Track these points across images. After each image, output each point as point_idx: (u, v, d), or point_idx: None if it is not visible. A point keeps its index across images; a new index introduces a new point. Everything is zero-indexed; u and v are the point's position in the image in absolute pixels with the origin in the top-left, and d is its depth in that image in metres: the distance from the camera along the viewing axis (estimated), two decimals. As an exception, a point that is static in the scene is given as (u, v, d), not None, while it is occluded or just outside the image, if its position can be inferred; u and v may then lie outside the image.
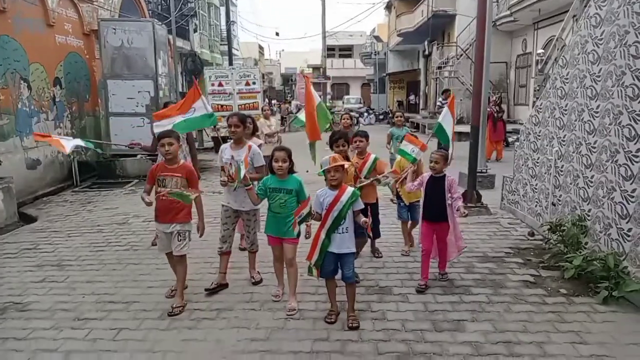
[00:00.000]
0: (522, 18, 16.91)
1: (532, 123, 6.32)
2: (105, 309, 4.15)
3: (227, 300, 4.23)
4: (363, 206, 3.86)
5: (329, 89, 41.31)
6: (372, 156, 4.78)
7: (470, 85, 18.13)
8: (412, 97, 29.23)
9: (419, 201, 5.06)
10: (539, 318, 3.87)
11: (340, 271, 3.84)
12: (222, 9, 23.39)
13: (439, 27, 22.06)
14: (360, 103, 31.49)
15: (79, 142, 5.39)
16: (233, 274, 4.77)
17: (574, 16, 9.28)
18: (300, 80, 30.57)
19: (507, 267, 4.94)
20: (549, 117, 5.84)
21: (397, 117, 8.17)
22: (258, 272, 4.69)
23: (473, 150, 7.08)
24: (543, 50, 14.00)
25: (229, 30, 18.50)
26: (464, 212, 4.27)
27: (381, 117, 27.76)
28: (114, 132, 10.77)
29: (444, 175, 4.41)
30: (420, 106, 26.73)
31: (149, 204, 4.05)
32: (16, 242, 6.14)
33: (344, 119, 6.38)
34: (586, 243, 4.82)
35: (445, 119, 5.44)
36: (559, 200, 5.53)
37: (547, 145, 5.86)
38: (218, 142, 7.39)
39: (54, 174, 9.82)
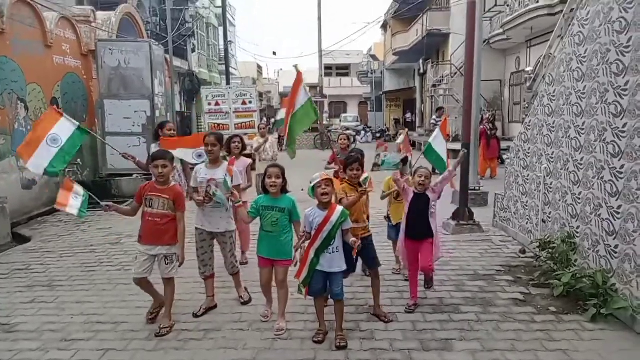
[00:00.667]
0: (515, 36, 17.15)
1: (521, 140, 6.38)
2: (93, 329, 4.13)
3: (215, 321, 4.21)
4: (350, 226, 3.87)
5: (326, 108, 41.74)
6: (365, 175, 4.51)
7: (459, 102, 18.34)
8: (408, 115, 29.44)
9: None
10: (527, 337, 3.86)
11: (329, 289, 3.85)
12: (221, 29, 23.70)
13: (433, 45, 22.36)
14: (357, 121, 31.72)
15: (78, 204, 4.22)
16: (222, 293, 4.77)
17: (559, 35, 9.43)
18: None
19: (497, 285, 4.94)
20: (537, 135, 5.90)
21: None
22: (245, 289, 4.65)
23: (464, 167, 7.12)
24: (532, 68, 14.17)
25: (226, 50, 18.74)
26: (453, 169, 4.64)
27: (378, 135, 27.89)
28: (110, 151, 10.80)
29: (425, 192, 4.37)
30: (417, 124, 26.91)
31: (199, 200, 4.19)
32: (8, 262, 6.13)
33: (341, 139, 6.22)
34: (575, 260, 4.83)
35: (437, 140, 5.48)
36: (549, 217, 5.56)
37: (536, 163, 5.91)
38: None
39: (50, 194, 9.81)
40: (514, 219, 6.58)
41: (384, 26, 31.17)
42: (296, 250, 3.86)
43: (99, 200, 4.17)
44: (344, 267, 3.82)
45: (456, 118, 18.41)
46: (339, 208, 3.76)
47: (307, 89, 5.04)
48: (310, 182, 3.81)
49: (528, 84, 12.05)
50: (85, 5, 15.62)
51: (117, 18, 12.60)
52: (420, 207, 4.33)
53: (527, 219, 6.16)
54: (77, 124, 4.71)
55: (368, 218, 4.46)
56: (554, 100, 5.47)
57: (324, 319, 3.93)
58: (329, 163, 6.02)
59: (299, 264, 3.85)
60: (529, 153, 6.14)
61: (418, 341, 3.82)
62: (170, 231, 4.02)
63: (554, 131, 5.47)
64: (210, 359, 3.60)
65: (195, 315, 4.29)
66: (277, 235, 3.90)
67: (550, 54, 9.62)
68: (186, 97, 19.45)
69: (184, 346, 3.81)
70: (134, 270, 4.11)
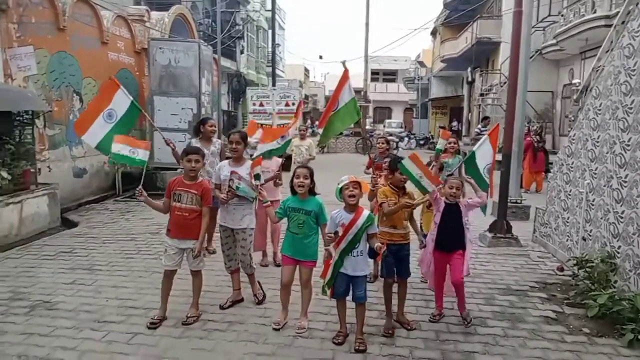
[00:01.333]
0: (569, 47, 16.53)
1: (565, 154, 6.17)
2: (126, 313, 4.32)
3: (240, 314, 4.31)
4: (377, 230, 3.87)
5: (370, 112, 41.56)
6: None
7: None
8: (455, 123, 28.88)
9: None
10: (555, 356, 3.73)
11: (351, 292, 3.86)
12: (270, 32, 24.13)
13: (483, 54, 21.88)
14: (401, 127, 31.40)
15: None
16: (250, 289, 4.87)
17: (608, 48, 9.03)
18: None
19: (529, 302, 4.79)
20: (581, 149, 5.68)
21: (449, 143, 6.36)
22: (260, 287, 4.63)
23: (504, 179, 6.95)
24: (579, 80, 13.61)
25: (273, 53, 19.07)
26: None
27: (422, 142, 27.53)
28: (157, 145, 11.18)
29: (457, 202, 4.21)
30: (463, 133, 26.38)
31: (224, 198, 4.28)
32: (55, 245, 6.50)
33: (379, 143, 6.15)
34: (615, 281, 4.62)
35: (482, 149, 4.84)
36: (590, 235, 5.34)
37: (579, 178, 5.70)
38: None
39: (99, 183, 10.33)
40: (554, 235, 6.35)
41: (434, 33, 30.79)
42: (328, 255, 3.84)
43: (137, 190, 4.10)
44: (367, 272, 3.83)
45: (503, 128, 17.94)
46: (366, 212, 3.76)
47: (352, 87, 5.00)
48: (338, 184, 3.84)
49: (575, 97, 11.59)
50: (142, 4, 16.36)
51: (170, 18, 13.09)
52: (451, 218, 4.18)
53: (568, 235, 5.93)
54: (131, 98, 4.82)
55: (421, 227, 4.49)
56: (600, 114, 5.26)
57: (346, 321, 3.95)
58: (367, 168, 5.81)
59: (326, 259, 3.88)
60: (572, 167, 5.92)
61: (439, 351, 3.77)
62: (198, 225, 4.08)
63: (598, 146, 5.26)
64: (231, 350, 3.69)
65: (222, 307, 4.40)
66: (302, 238, 3.92)
67: (599, 66, 9.23)
68: (233, 97, 19.90)
69: (207, 336, 3.92)
70: (164, 262, 4.18)
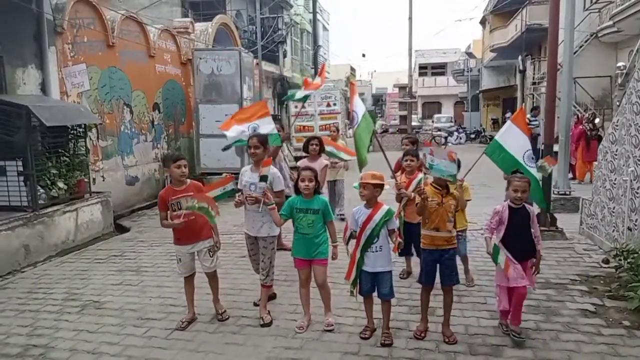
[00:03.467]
0: (627, 28, 15.53)
1: (609, 141, 5.88)
2: (166, 310, 4.59)
3: (273, 310, 4.44)
4: (397, 226, 3.87)
5: (419, 108, 40.88)
6: (420, 175, 4.59)
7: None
8: (508, 114, 27.86)
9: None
10: (588, 349, 3.61)
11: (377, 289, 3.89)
12: (313, 34, 24.37)
13: (534, 41, 20.97)
14: (451, 122, 30.72)
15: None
16: (284, 286, 5.03)
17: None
18: (389, 99, 30.66)
19: (567, 295, 4.63)
20: (625, 135, 5.40)
21: None
22: (269, 312, 4.32)
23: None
24: (624, 63, 12.76)
25: (315, 54, 19.28)
26: (539, 258, 3.81)
27: (472, 136, 26.78)
28: (203, 152, 11.70)
29: (524, 205, 3.78)
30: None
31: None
32: (107, 249, 6.96)
33: (404, 145, 5.81)
34: (661, 273, 4.38)
35: (509, 136, 4.34)
36: (635, 225, 5.07)
37: (623, 165, 5.42)
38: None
39: (150, 190, 10.88)
40: (601, 226, 6.07)
41: (483, 22, 29.87)
42: (346, 243, 3.89)
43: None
44: (389, 268, 3.83)
45: (558, 117, 17.16)
46: (385, 207, 3.78)
47: (360, 100, 5.00)
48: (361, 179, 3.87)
49: (620, 80, 10.91)
50: (189, 16, 17.05)
51: (214, 29, 13.56)
52: (518, 224, 3.74)
53: (614, 226, 5.65)
54: (275, 128, 5.51)
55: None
56: (642, 96, 4.98)
57: (373, 316, 3.99)
58: (394, 172, 5.19)
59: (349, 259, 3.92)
60: (616, 155, 5.64)
61: (467, 345, 3.74)
62: (205, 224, 4.16)
63: (642, 130, 4.98)
64: (261, 344, 3.85)
65: (255, 304, 4.53)
66: (313, 237, 3.95)
67: None
68: (278, 101, 20.29)
69: (240, 331, 4.10)
70: (180, 271, 4.29)
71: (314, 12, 19.86)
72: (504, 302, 3.86)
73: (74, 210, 7.31)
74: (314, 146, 5.83)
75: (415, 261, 5.04)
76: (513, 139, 4.29)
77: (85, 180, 7.78)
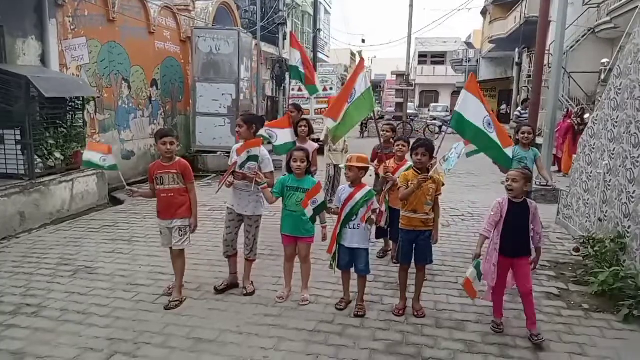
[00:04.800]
0: (624, 24, 15.60)
1: (588, 135, 6.11)
2: (155, 278, 4.83)
3: (256, 281, 4.67)
4: (378, 206, 4.08)
5: (416, 96, 40.90)
6: (408, 163, 4.72)
7: (562, 95, 17.12)
8: (504, 106, 28.11)
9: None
10: (546, 327, 3.88)
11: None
12: (317, 17, 24.30)
13: (532, 33, 20.84)
14: (447, 111, 30.82)
15: None
16: (270, 260, 5.28)
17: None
18: (387, 86, 30.73)
19: (535, 279, 4.83)
20: (602, 129, 5.63)
21: (523, 132, 5.53)
22: (252, 282, 4.53)
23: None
24: (607, 60, 12.93)
25: (315, 38, 19.29)
26: (537, 257, 3.77)
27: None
28: (199, 130, 11.89)
29: (525, 199, 3.72)
30: (511, 117, 25.62)
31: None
32: (101, 219, 7.18)
33: (384, 131, 5.79)
34: (624, 261, 4.65)
35: (465, 105, 3.99)
36: (605, 216, 5.33)
37: (599, 159, 5.65)
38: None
39: (145, 165, 11.02)
40: (575, 216, 6.33)
41: (484, 12, 29.83)
42: (309, 199, 3.96)
43: (125, 184, 4.51)
44: (365, 245, 4.06)
45: (529, 110, 17.32)
46: (366, 188, 4.01)
47: (367, 77, 5.05)
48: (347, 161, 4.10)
49: (603, 76, 11.07)
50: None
51: (214, 8, 13.61)
52: (518, 219, 3.67)
53: (587, 217, 5.91)
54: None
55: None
56: (620, 93, 5.20)
57: (349, 290, 4.25)
58: (372, 160, 5.48)
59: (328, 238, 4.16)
60: (593, 148, 5.88)
61: (434, 319, 4.01)
62: (184, 204, 4.19)
63: (617, 126, 5.21)
64: (243, 311, 4.11)
65: (216, 289, 4.41)
66: (300, 214, 4.08)
67: (623, 45, 8.83)
68: (276, 83, 20.36)
69: (223, 298, 4.35)
70: (161, 243, 4.40)
71: (315, -5, 19.86)
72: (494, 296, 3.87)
73: (69, 180, 7.51)
74: (303, 127, 5.89)
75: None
76: (471, 106, 4.01)
77: (82, 151, 7.94)
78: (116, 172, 4.57)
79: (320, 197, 3.97)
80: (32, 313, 4.05)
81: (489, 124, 3.99)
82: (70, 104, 7.84)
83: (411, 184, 3.97)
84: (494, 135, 4.02)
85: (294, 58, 6.39)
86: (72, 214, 7.46)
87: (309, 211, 3.95)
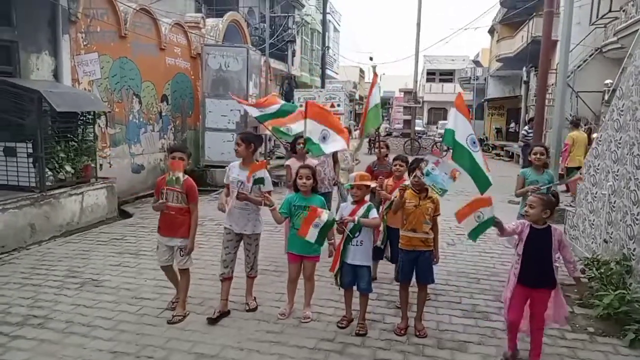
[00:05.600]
0: (631, 45, 15.70)
1: (592, 156, 6.12)
2: (160, 292, 4.87)
3: (259, 297, 4.70)
4: (375, 216, 4.04)
5: (425, 113, 41.03)
6: (406, 182, 4.50)
7: (570, 114, 17.12)
8: (512, 125, 28.03)
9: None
10: (549, 350, 3.85)
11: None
12: (326, 35, 24.61)
13: (539, 53, 21.02)
14: (455, 129, 30.85)
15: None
16: (274, 276, 5.32)
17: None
18: (396, 103, 30.86)
19: (539, 300, 4.87)
20: (606, 150, 5.64)
21: (535, 153, 5.12)
22: (254, 298, 4.56)
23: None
24: (611, 80, 12.94)
25: (323, 55, 19.52)
26: (579, 276, 3.67)
27: (475, 144, 26.90)
28: (208, 145, 12.03)
29: (548, 226, 3.51)
30: (520, 135, 25.60)
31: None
32: (110, 232, 7.26)
33: (378, 147, 5.81)
34: (630, 284, 4.62)
35: (456, 122, 4.04)
36: (611, 238, 5.31)
37: (603, 180, 5.66)
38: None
39: (155, 179, 11.05)
40: (582, 237, 6.30)
41: (491, 31, 30.03)
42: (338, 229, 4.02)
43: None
44: (367, 263, 4.08)
45: (533, 130, 17.28)
46: (367, 203, 4.05)
47: (379, 92, 5.26)
48: (349, 180, 4.17)
49: (607, 97, 11.07)
50: (203, 11, 17.34)
51: (224, 25, 13.84)
52: (539, 247, 3.48)
53: (592, 238, 5.89)
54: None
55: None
56: (622, 115, 5.22)
57: (352, 308, 4.26)
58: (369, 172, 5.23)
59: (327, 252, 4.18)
60: (598, 169, 5.88)
61: (436, 339, 4.00)
62: (185, 224, 4.16)
63: (620, 147, 5.22)
64: (245, 327, 4.13)
65: (210, 319, 4.18)
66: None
67: (625, 67, 8.87)
68: (285, 99, 20.57)
69: (231, 315, 4.36)
70: (157, 259, 4.42)
71: (324, 13, 20.10)
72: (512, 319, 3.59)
73: (79, 193, 7.61)
74: (302, 145, 5.63)
75: (388, 267, 5.26)
76: (459, 124, 4.01)
77: (92, 165, 8.09)
78: (127, 186, 4.57)
79: (323, 218, 3.90)
80: (38, 324, 4.10)
81: (474, 143, 3.96)
82: (81, 118, 7.99)
83: (409, 202, 4.00)
84: (477, 155, 3.97)
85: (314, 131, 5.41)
86: (81, 226, 7.55)
87: (311, 236, 3.92)
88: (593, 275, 5.12)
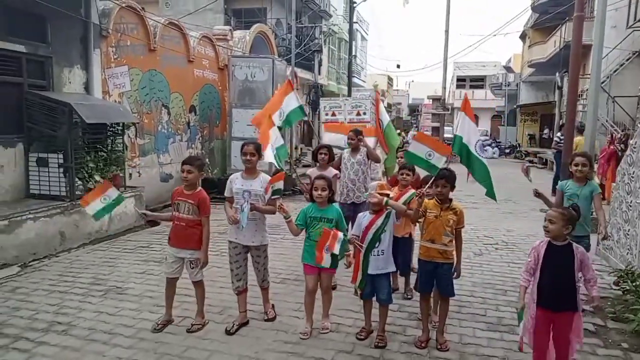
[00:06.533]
0: (672, 47, 15.09)
1: (627, 163, 5.85)
2: (181, 299, 4.86)
3: (279, 307, 4.68)
4: (398, 222, 4.01)
5: (454, 121, 40.32)
6: (411, 191, 4.55)
7: (607, 120, 16.53)
8: (546, 131, 27.31)
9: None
10: (579, 367, 3.67)
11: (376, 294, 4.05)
12: (353, 44, 24.66)
13: (574, 58, 20.56)
14: (486, 135, 30.26)
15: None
16: (294, 286, 5.28)
17: None
18: (425, 110, 30.55)
19: (569, 313, 4.66)
20: (641, 158, 5.39)
21: (577, 164, 4.53)
22: (273, 306, 4.54)
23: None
24: None
25: (349, 63, 19.54)
26: (596, 305, 3.33)
27: (507, 150, 26.34)
28: (234, 153, 12.13)
29: (569, 243, 3.24)
30: (553, 142, 24.91)
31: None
32: (136, 240, 7.40)
33: (399, 156, 5.78)
34: (668, 297, 4.37)
35: (464, 127, 4.16)
36: (647, 249, 5.05)
37: (639, 188, 5.40)
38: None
39: (182, 188, 11.36)
40: (616, 247, 6.03)
41: (523, 37, 29.43)
42: (351, 244, 4.02)
43: (138, 210, 4.73)
44: (390, 269, 4.01)
45: (564, 136, 16.70)
46: (386, 212, 3.97)
47: (384, 111, 5.22)
48: (367, 190, 4.12)
49: None
50: (232, 23, 17.69)
51: (251, 37, 14.04)
52: (559, 264, 3.22)
53: (628, 248, 5.62)
54: (301, 103, 5.53)
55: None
56: (658, 120, 4.97)
57: (371, 319, 4.17)
58: (392, 186, 5.24)
59: (352, 265, 4.09)
60: (633, 177, 5.62)
61: (458, 353, 3.87)
62: (195, 236, 4.11)
63: (656, 154, 4.98)
64: (262, 337, 4.11)
65: (228, 332, 4.15)
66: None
67: None
68: (312, 108, 20.67)
69: (249, 325, 4.35)
70: (164, 270, 4.37)
71: (351, 23, 20.15)
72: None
73: (107, 202, 7.79)
74: (323, 155, 5.55)
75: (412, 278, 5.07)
76: (467, 129, 4.13)
77: (121, 175, 8.27)
78: (155, 194, 4.62)
79: (339, 240, 3.83)
80: (62, 331, 4.19)
81: (482, 148, 4.04)
82: (110, 129, 8.20)
83: (430, 212, 3.91)
84: (485, 161, 4.06)
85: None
86: (110, 234, 7.71)
87: (326, 262, 3.86)
88: (628, 288, 4.88)
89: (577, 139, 11.28)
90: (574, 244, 3.25)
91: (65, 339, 4.04)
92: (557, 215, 3.22)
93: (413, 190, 4.46)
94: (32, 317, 4.48)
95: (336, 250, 3.82)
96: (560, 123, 20.22)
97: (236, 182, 4.25)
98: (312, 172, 5.60)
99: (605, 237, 4.51)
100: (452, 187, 3.94)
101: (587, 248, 4.41)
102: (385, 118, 5.24)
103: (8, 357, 3.72)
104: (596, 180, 6.51)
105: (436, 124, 22.38)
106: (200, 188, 4.24)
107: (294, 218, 4.15)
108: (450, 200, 3.97)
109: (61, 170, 7.12)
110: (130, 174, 9.23)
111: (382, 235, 3.93)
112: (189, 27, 11.88)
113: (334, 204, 4.24)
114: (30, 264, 6.10)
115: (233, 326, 4.22)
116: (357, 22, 25.50)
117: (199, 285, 4.30)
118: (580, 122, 12.21)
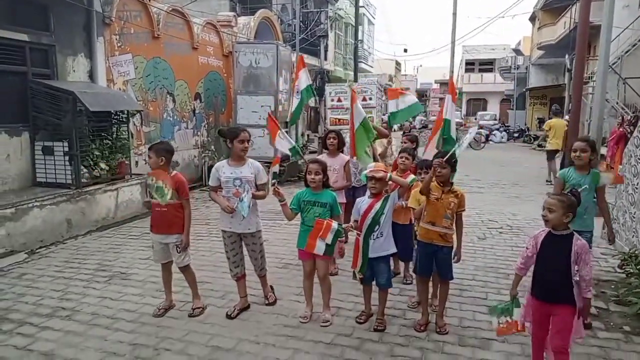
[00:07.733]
0: (685, 27, 14.73)
1: (634, 145, 5.76)
2: (183, 284, 4.87)
3: (279, 291, 4.71)
4: (400, 202, 4.02)
5: (463, 104, 39.99)
6: (411, 176, 4.52)
7: (617, 102, 16.25)
8: (555, 115, 26.97)
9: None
10: (579, 350, 3.65)
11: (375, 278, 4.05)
12: (360, 28, 24.40)
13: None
14: (494, 119, 29.92)
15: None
16: (296, 270, 5.29)
17: None
18: (433, 95, 30.26)
19: (572, 296, 4.63)
20: (647, 139, 5.30)
21: (574, 150, 4.11)
22: (272, 290, 4.58)
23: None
24: None
25: (355, 48, 19.35)
26: (582, 306, 3.04)
27: (516, 135, 26.05)
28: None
29: (571, 234, 3.08)
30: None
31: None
32: (142, 227, 7.46)
33: (403, 142, 5.70)
34: (672, 280, 4.33)
35: (450, 108, 4.77)
36: (652, 231, 4.99)
37: (645, 170, 5.32)
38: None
39: (189, 175, 11.39)
40: (622, 230, 5.96)
41: (532, 19, 28.90)
42: (349, 230, 4.03)
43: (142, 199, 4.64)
44: (390, 251, 3.99)
45: (605, 119, 16.46)
46: (385, 195, 3.95)
47: (360, 107, 5.19)
48: (365, 172, 4.08)
49: None
50: (237, 10, 17.55)
51: (256, 22, 13.94)
52: (556, 254, 3.07)
53: (633, 231, 5.56)
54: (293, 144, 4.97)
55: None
56: (665, 100, 4.87)
57: (371, 303, 4.18)
58: (393, 169, 5.19)
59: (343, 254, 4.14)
60: (639, 159, 5.53)
61: (457, 336, 3.88)
62: (177, 220, 4.10)
63: (662, 135, 4.89)
64: (263, 321, 4.15)
65: (229, 317, 4.19)
66: None
67: None
68: (318, 94, 20.57)
69: (250, 309, 4.39)
70: (153, 258, 4.38)
71: (357, 7, 19.90)
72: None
73: (114, 189, 7.86)
74: (332, 140, 5.33)
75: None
76: (450, 110, 4.55)
77: (126, 162, 8.32)
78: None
79: (332, 230, 3.83)
80: (65, 316, 4.26)
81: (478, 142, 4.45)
82: (115, 117, 8.23)
83: (432, 194, 3.88)
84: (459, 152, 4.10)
85: None
86: (116, 221, 7.79)
87: (319, 250, 3.86)
88: (632, 271, 4.84)
89: (552, 121, 11.07)
90: (576, 235, 3.07)
91: (69, 324, 4.11)
92: (556, 202, 3.05)
93: (413, 176, 4.44)
94: (37, 302, 4.56)
95: (329, 240, 3.83)
96: (570, 106, 19.95)
97: (224, 170, 4.16)
98: (322, 158, 5.48)
99: (612, 241, 4.32)
100: (453, 169, 3.90)
101: (589, 243, 4.02)
102: (359, 119, 5.08)
103: (12, 342, 3.79)
104: (602, 167, 6.32)
105: (444, 109, 22.12)
106: (174, 172, 4.23)
107: (289, 202, 4.14)
108: (451, 182, 3.95)
109: (67, 158, 7.17)
110: (137, 162, 9.28)
111: (381, 218, 3.91)
112: (193, 13, 11.82)
113: (328, 189, 4.19)
114: (38, 250, 6.20)
115: (234, 310, 4.26)
116: (363, 7, 25.23)
117: (186, 270, 4.29)
118: (555, 106, 12.12)
